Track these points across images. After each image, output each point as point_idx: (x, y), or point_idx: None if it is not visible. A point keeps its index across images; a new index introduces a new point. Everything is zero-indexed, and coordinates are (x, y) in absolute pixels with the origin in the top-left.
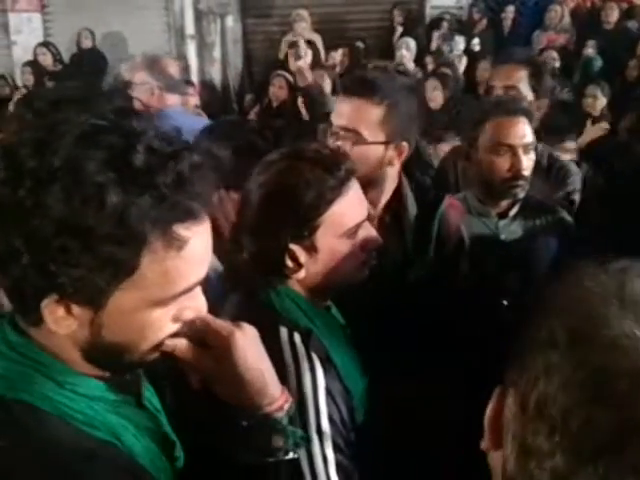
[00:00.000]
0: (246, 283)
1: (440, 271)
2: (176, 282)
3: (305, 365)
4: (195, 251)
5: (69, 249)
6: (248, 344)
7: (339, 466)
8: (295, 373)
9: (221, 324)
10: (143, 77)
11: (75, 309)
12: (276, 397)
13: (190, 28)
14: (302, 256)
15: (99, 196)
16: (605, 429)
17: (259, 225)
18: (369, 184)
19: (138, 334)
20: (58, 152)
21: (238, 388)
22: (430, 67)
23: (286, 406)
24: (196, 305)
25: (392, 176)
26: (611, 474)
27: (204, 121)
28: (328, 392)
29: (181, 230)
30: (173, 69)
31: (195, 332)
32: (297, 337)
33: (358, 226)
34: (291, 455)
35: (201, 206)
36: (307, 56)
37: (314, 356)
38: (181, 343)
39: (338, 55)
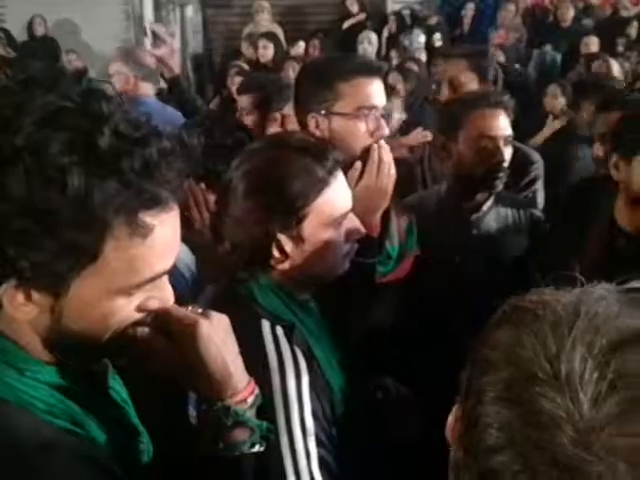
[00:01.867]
0: (226, 275)
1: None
2: (141, 271)
3: (288, 359)
4: (162, 239)
5: (29, 232)
6: (213, 333)
7: (321, 461)
8: (278, 368)
9: (184, 313)
10: (119, 67)
11: (35, 295)
12: (240, 389)
13: (149, 17)
14: (288, 246)
15: (62, 178)
16: None
17: (246, 214)
18: None
19: (100, 323)
20: (21, 132)
21: (199, 378)
22: (395, 61)
23: (250, 399)
24: (162, 295)
25: None
26: None
27: (178, 113)
28: (311, 387)
29: (147, 217)
30: (148, 59)
31: (158, 321)
32: (280, 330)
33: (343, 216)
34: (256, 448)
35: (169, 193)
36: (268, 49)
37: (297, 350)
38: (142, 331)
39: (301, 48)
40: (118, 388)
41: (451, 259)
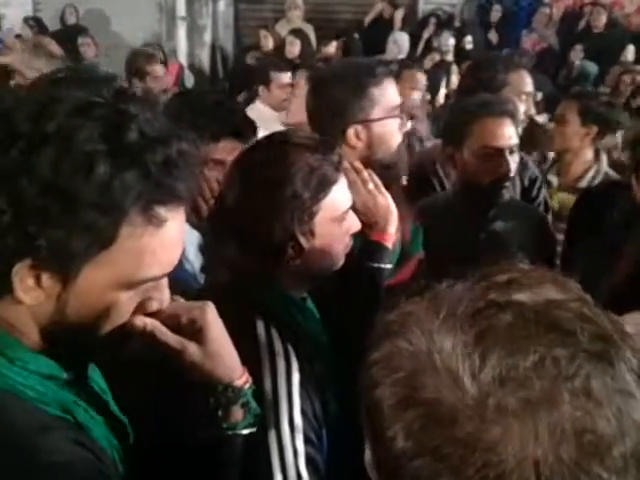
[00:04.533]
0: (227, 269)
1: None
2: (148, 266)
3: (280, 357)
4: (171, 235)
5: (50, 210)
6: (217, 319)
7: (309, 459)
8: (270, 365)
9: (191, 304)
10: (28, 61)
11: (45, 281)
12: (243, 371)
13: (182, 10)
14: (303, 241)
15: (88, 164)
16: None
17: (261, 212)
18: None
19: (102, 315)
20: (53, 119)
21: (215, 364)
22: (428, 64)
23: (250, 381)
24: (161, 298)
25: None
26: None
27: None
28: (302, 385)
29: (161, 210)
30: (56, 50)
31: (166, 318)
32: (273, 328)
33: (347, 211)
34: (248, 430)
35: (184, 191)
36: (294, 45)
37: (290, 348)
38: (152, 322)
39: (332, 47)
40: (96, 378)
41: (457, 262)
